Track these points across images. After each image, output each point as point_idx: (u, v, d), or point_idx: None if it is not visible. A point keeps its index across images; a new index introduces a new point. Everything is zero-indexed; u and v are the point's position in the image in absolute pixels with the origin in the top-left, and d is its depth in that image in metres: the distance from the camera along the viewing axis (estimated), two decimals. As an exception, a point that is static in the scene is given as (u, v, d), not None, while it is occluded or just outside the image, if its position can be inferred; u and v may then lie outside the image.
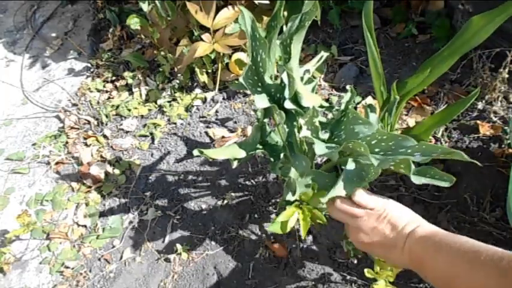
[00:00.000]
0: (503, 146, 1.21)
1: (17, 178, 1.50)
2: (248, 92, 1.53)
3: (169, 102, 1.62)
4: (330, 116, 1.29)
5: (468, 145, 1.24)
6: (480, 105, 1.31)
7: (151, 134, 1.53)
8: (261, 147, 0.89)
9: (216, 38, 1.46)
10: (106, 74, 1.77)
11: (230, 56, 1.56)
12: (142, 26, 1.55)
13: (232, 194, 1.29)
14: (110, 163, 1.46)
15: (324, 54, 0.96)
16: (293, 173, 0.79)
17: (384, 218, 0.66)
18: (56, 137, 1.60)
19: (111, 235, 1.28)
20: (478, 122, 1.27)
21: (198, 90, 1.62)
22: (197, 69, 1.58)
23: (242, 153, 0.82)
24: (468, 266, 0.51)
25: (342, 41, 1.64)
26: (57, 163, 1.50)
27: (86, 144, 1.55)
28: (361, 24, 0.92)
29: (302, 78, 0.85)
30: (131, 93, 1.70)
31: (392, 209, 0.67)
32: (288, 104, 0.76)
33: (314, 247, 1.14)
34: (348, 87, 0.83)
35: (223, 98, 1.59)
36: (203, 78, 1.59)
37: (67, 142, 1.57)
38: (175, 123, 1.55)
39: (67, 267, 1.23)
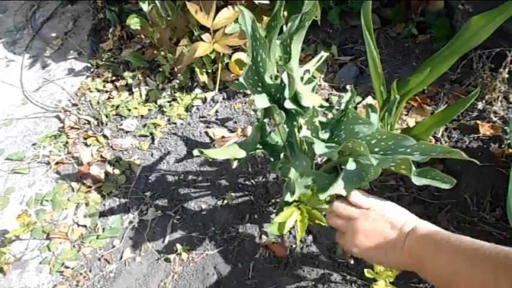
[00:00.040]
0: (503, 146, 1.21)
1: (17, 178, 1.50)
2: (248, 92, 1.53)
3: (169, 102, 1.62)
4: (330, 115, 1.29)
5: (468, 145, 1.24)
6: (480, 105, 1.31)
7: (151, 134, 1.54)
8: (261, 147, 0.89)
9: (216, 38, 1.46)
10: (106, 74, 1.77)
11: (230, 56, 1.56)
12: (142, 26, 1.55)
13: (232, 194, 1.29)
14: (110, 163, 1.46)
15: (324, 54, 0.96)
16: (292, 173, 0.79)
17: (383, 216, 0.66)
18: (56, 137, 1.60)
19: (111, 235, 1.28)
20: (478, 122, 1.27)
21: (198, 90, 1.62)
22: (197, 69, 1.58)
23: (242, 153, 0.82)
24: (468, 264, 0.51)
25: (342, 41, 1.64)
26: (57, 163, 1.50)
27: (86, 144, 1.55)
28: (360, 24, 0.92)
29: (302, 78, 0.85)
30: (131, 93, 1.70)
31: (390, 209, 0.67)
32: (288, 104, 0.76)
33: (314, 247, 1.14)
34: (348, 87, 0.83)
35: (223, 98, 1.59)
36: (203, 78, 1.59)
37: (67, 142, 1.57)
38: (175, 123, 1.55)
39: (67, 267, 1.23)
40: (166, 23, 1.52)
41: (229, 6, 1.42)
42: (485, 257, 0.49)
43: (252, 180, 1.32)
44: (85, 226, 1.32)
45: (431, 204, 1.15)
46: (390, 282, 0.81)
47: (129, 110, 1.62)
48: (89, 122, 1.62)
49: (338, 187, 0.71)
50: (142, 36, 1.82)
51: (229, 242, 1.20)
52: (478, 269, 0.49)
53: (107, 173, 1.43)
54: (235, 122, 1.51)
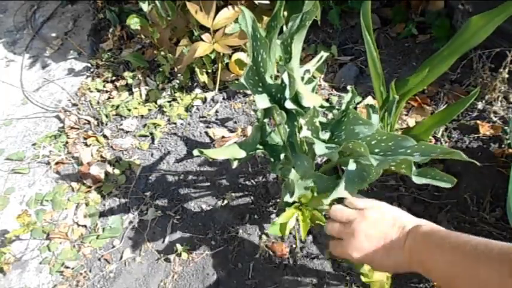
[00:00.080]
0: (503, 146, 1.21)
1: (17, 178, 1.50)
2: (248, 92, 1.53)
3: (169, 102, 1.62)
4: (330, 116, 1.29)
5: (468, 145, 1.24)
6: (480, 105, 1.31)
7: (151, 134, 1.53)
8: (261, 147, 0.90)
9: (216, 38, 1.46)
10: (106, 74, 1.77)
11: (230, 56, 1.56)
12: (142, 26, 1.55)
13: (232, 194, 1.29)
14: (110, 163, 1.46)
15: (324, 54, 0.96)
16: (292, 174, 0.79)
17: (382, 216, 0.66)
18: (56, 137, 1.60)
19: (111, 235, 1.28)
20: (478, 122, 1.27)
21: (198, 90, 1.62)
22: (197, 69, 1.58)
23: (242, 153, 0.82)
24: (471, 261, 0.50)
25: (342, 41, 1.64)
26: (57, 163, 1.50)
27: (86, 144, 1.55)
28: (360, 24, 0.92)
29: (302, 78, 0.85)
30: (131, 93, 1.70)
31: (389, 209, 0.67)
32: (289, 104, 0.76)
33: (314, 247, 1.14)
34: (348, 87, 0.83)
35: (223, 98, 1.59)
36: (203, 78, 1.59)
37: (67, 142, 1.57)
38: (175, 123, 1.55)
39: (67, 267, 1.23)
40: (166, 23, 1.52)
41: (229, 6, 1.42)
42: (489, 257, 0.49)
43: (252, 180, 1.32)
44: (85, 226, 1.32)
45: (431, 204, 1.15)
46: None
47: (129, 110, 1.62)
48: (89, 122, 1.62)
49: (341, 190, 0.71)
50: (142, 36, 1.82)
51: (229, 242, 1.20)
52: (482, 267, 0.49)
53: (107, 173, 1.43)
54: (235, 122, 1.51)
